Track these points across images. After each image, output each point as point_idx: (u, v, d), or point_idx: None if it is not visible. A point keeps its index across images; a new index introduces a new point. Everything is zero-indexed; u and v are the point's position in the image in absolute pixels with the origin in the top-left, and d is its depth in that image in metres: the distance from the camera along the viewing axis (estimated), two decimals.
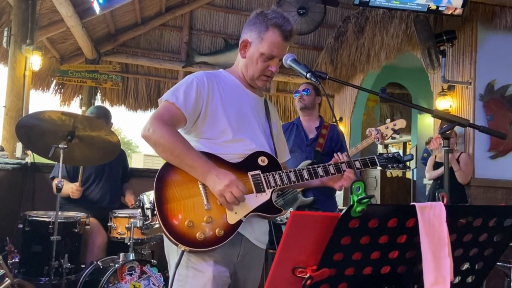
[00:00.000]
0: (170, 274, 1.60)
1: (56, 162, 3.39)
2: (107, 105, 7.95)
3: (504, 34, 4.70)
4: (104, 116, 3.52)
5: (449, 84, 4.89)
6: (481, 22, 4.72)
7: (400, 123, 2.26)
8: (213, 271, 1.54)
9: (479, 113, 4.69)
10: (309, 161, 2.90)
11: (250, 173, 1.61)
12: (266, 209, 1.61)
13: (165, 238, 1.59)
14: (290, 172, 1.67)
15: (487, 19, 4.63)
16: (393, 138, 2.25)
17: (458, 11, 4.36)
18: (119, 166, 3.68)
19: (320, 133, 3.00)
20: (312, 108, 3.10)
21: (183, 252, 1.52)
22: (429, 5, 4.34)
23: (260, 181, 1.62)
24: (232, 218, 1.54)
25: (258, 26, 1.67)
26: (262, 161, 1.66)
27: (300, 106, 3.10)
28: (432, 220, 0.94)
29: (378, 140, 2.28)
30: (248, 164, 1.64)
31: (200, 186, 1.56)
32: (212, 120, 1.65)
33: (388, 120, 2.28)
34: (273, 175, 1.64)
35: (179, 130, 1.66)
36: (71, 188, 3.28)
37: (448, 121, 1.46)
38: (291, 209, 2.88)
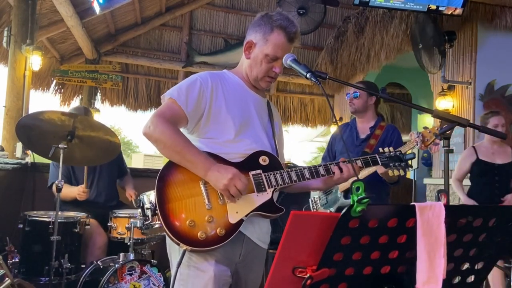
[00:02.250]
0: (172, 273, 1.60)
1: (51, 163, 3.40)
2: (107, 105, 7.97)
3: (504, 34, 4.70)
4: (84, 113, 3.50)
5: (449, 84, 4.90)
6: (481, 22, 4.72)
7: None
8: (214, 270, 1.55)
9: (479, 113, 4.68)
10: None
11: (251, 173, 1.62)
12: (268, 208, 1.61)
13: (167, 238, 1.60)
14: (291, 171, 1.67)
15: (487, 19, 4.63)
16: (436, 144, 2.11)
17: (458, 11, 4.36)
18: (114, 164, 3.67)
19: (373, 133, 2.83)
20: (364, 110, 2.89)
21: (184, 251, 1.52)
22: (429, 5, 4.34)
23: (261, 181, 1.62)
24: (233, 217, 1.55)
25: (263, 28, 1.68)
26: (263, 160, 1.66)
27: (351, 110, 2.93)
28: (431, 220, 0.94)
29: (417, 144, 2.17)
30: (249, 163, 1.64)
31: (202, 186, 1.56)
32: (216, 120, 1.66)
33: (433, 124, 2.15)
34: (274, 174, 1.64)
35: (182, 131, 1.67)
36: (77, 190, 3.28)
37: (448, 121, 1.46)
38: (331, 209, 2.81)
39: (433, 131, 2.11)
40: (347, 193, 2.76)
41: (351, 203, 0.87)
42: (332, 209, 2.81)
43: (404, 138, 2.97)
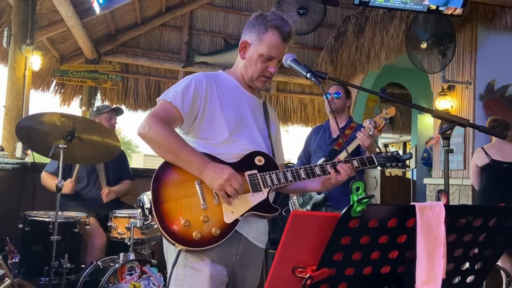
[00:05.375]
0: (168, 273, 1.60)
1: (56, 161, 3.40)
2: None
3: (504, 34, 4.70)
4: (114, 110, 3.75)
5: (449, 84, 4.90)
6: (481, 22, 4.72)
7: (390, 111, 2.27)
8: (210, 270, 1.55)
9: (479, 113, 4.69)
10: (323, 159, 2.90)
11: (246, 173, 1.62)
12: (263, 208, 1.61)
13: (163, 238, 1.60)
14: (287, 171, 1.67)
15: (487, 19, 4.63)
16: (386, 128, 2.25)
17: (458, 11, 4.36)
18: (117, 166, 3.68)
19: (343, 133, 2.98)
20: (341, 111, 3.06)
21: (180, 251, 1.52)
22: (429, 5, 4.34)
23: (256, 181, 1.62)
24: (228, 217, 1.55)
25: (258, 28, 1.69)
26: (259, 160, 1.66)
27: (330, 110, 3.04)
28: (431, 220, 0.94)
29: (371, 131, 2.26)
30: (244, 163, 1.64)
31: (197, 186, 1.57)
32: (210, 120, 1.66)
33: (384, 110, 2.28)
34: (269, 174, 1.64)
35: (178, 131, 1.67)
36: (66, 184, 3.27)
37: (448, 121, 1.46)
38: (307, 207, 2.92)
39: (383, 116, 2.19)
40: None
41: (351, 203, 0.87)
42: (308, 207, 2.93)
43: (405, 137, 3.05)
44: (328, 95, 3.02)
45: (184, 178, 1.57)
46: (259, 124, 1.77)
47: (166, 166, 1.60)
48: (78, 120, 2.89)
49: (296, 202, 3.02)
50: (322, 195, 2.86)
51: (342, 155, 2.71)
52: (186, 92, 1.63)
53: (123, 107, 7.97)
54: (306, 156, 3.18)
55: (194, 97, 1.64)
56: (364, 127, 2.38)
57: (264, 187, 1.63)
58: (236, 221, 1.56)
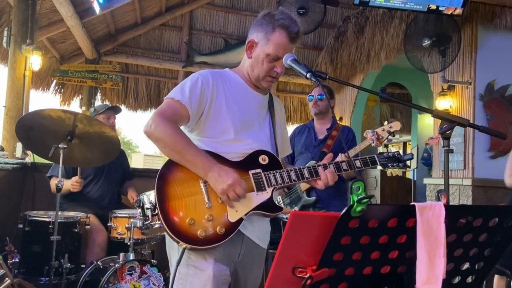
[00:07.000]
0: (171, 272, 1.60)
1: (54, 163, 3.39)
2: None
3: (504, 34, 4.69)
4: (112, 109, 3.72)
5: (449, 84, 4.89)
6: (481, 22, 4.71)
7: (395, 125, 2.27)
8: (213, 269, 1.55)
9: (479, 113, 4.68)
10: (313, 162, 2.89)
11: (251, 172, 1.62)
12: (267, 207, 1.62)
13: (166, 236, 1.61)
14: (291, 170, 1.67)
15: (487, 19, 4.63)
16: (389, 140, 2.25)
17: (458, 11, 4.36)
18: (119, 166, 3.68)
19: (330, 134, 3.00)
20: (326, 112, 3.10)
21: (184, 250, 1.52)
22: (429, 5, 4.33)
23: (261, 180, 1.62)
24: (233, 216, 1.55)
25: (265, 27, 1.68)
26: (263, 159, 1.67)
27: (315, 111, 3.08)
28: (431, 220, 0.94)
29: (374, 142, 2.27)
30: (249, 162, 1.64)
31: (201, 184, 1.56)
32: (215, 118, 1.66)
33: (386, 122, 2.28)
34: (273, 173, 1.64)
35: (183, 129, 1.67)
36: (71, 181, 3.27)
37: (448, 121, 1.46)
38: (296, 208, 2.93)
39: (386, 129, 2.19)
40: (309, 191, 2.89)
41: (351, 203, 0.87)
42: (297, 208, 2.93)
43: (405, 137, 3.05)
44: (311, 98, 3.06)
45: (189, 176, 1.57)
46: (264, 123, 1.77)
47: (171, 164, 1.60)
48: (78, 117, 2.88)
49: (282, 202, 3.03)
50: (313, 197, 2.87)
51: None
52: (192, 90, 1.63)
53: (123, 107, 7.98)
54: (289, 157, 3.16)
55: (200, 94, 1.64)
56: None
57: (268, 186, 1.63)
58: (240, 220, 1.56)
